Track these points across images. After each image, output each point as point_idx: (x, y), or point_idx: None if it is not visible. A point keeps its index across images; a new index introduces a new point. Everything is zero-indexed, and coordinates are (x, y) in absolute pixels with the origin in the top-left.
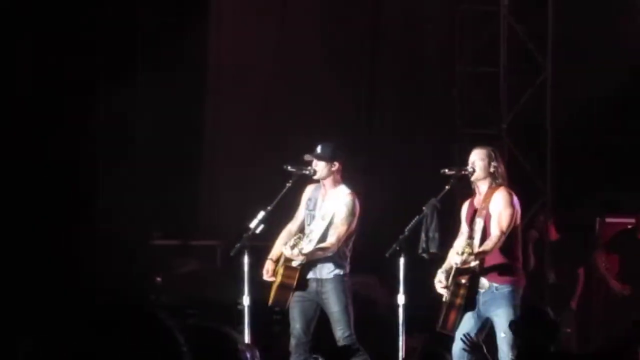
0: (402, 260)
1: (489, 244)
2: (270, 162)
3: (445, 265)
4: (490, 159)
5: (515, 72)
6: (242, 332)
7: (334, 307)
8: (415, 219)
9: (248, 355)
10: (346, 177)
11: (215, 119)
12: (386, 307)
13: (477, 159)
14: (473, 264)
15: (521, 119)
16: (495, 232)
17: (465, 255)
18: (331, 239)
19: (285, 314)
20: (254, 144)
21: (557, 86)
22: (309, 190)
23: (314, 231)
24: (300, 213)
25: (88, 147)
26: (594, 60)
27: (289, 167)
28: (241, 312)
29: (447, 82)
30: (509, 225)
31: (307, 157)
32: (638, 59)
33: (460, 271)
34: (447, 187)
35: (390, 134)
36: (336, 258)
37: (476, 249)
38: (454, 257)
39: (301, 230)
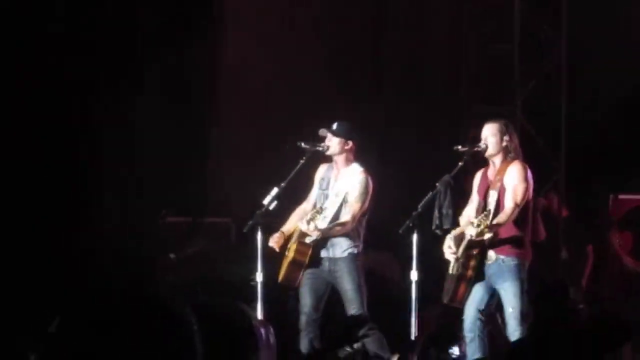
0: (415, 237)
1: (502, 217)
2: (283, 139)
3: (455, 232)
4: (502, 133)
5: (530, 48)
6: (255, 309)
7: (347, 285)
8: (429, 195)
9: (262, 331)
10: (360, 158)
11: (228, 95)
12: (400, 283)
13: (489, 134)
14: (487, 236)
15: (536, 97)
16: (509, 205)
17: (482, 227)
18: (346, 217)
19: (297, 291)
20: (267, 120)
21: (572, 65)
22: (321, 170)
23: (328, 208)
24: (314, 193)
25: (95, 130)
26: (609, 38)
27: (302, 144)
28: (254, 289)
29: (459, 60)
30: (522, 199)
31: (322, 131)
32: None
33: (472, 243)
34: (460, 163)
35: (404, 111)
36: (350, 237)
37: (484, 220)
38: (469, 229)
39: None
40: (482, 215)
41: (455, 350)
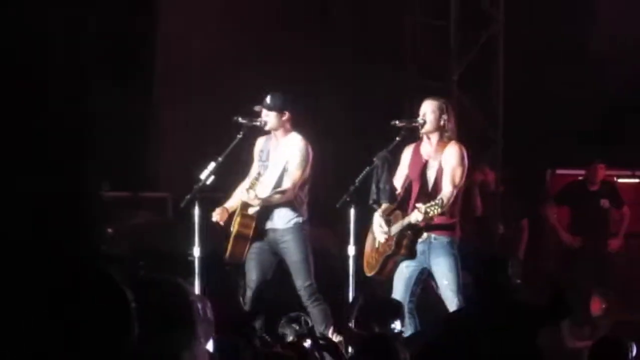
0: (352, 211)
1: (444, 201)
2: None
3: (383, 209)
4: (441, 111)
5: (466, 23)
6: (192, 284)
7: (295, 256)
8: (366, 170)
9: (199, 306)
10: (297, 128)
11: (165, 72)
12: (338, 258)
13: (429, 111)
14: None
15: (472, 72)
16: (448, 189)
17: (430, 215)
18: (286, 184)
19: (238, 266)
20: (204, 95)
21: (508, 38)
22: (260, 142)
23: (269, 177)
24: (254, 167)
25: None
26: (545, 9)
27: (239, 119)
28: (192, 264)
29: (398, 34)
30: (460, 182)
31: (257, 108)
32: (588, 9)
33: (410, 225)
34: (397, 138)
35: (342, 85)
36: (293, 206)
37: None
38: (415, 215)
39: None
40: (433, 203)
41: (397, 325)
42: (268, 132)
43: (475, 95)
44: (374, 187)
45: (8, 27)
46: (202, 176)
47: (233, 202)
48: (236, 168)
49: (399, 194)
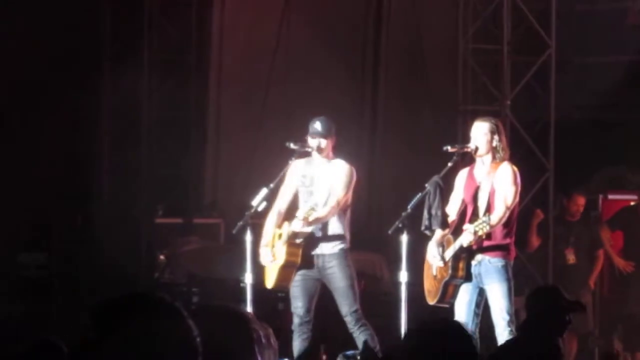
0: (404, 238)
1: (495, 221)
2: (273, 140)
3: (436, 238)
4: (492, 133)
5: (520, 49)
6: (245, 310)
7: (341, 282)
8: (418, 196)
9: (262, 334)
10: (346, 153)
11: (220, 100)
12: (390, 284)
13: (480, 133)
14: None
15: (524, 96)
16: (501, 209)
17: (480, 234)
18: (331, 203)
19: (287, 292)
20: (257, 123)
21: (560, 63)
22: (298, 166)
23: (318, 204)
24: (288, 191)
25: (94, 129)
26: (598, 37)
27: (291, 145)
28: (244, 290)
29: (450, 60)
30: (513, 202)
31: (313, 137)
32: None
33: (463, 248)
34: (449, 164)
35: (394, 111)
36: (338, 231)
37: (485, 226)
38: (466, 236)
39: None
40: (482, 222)
41: None
42: (304, 155)
43: (528, 121)
44: (425, 213)
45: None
46: (254, 202)
47: (269, 235)
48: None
49: (454, 220)
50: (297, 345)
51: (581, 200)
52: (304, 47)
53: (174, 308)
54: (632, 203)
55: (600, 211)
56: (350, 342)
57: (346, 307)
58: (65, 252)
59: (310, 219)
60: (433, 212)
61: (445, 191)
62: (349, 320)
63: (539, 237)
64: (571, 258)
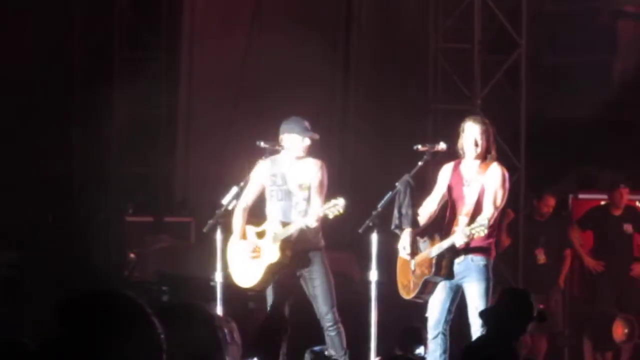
0: (375, 237)
1: (486, 223)
2: (243, 139)
3: (415, 232)
4: (487, 133)
5: (490, 48)
6: (215, 309)
7: (317, 280)
8: (388, 195)
9: (226, 330)
10: (319, 154)
11: (190, 98)
12: (360, 283)
13: (478, 133)
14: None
15: (495, 95)
16: (490, 210)
17: (476, 235)
18: (317, 211)
19: (258, 290)
20: (227, 121)
21: (531, 62)
22: (266, 166)
23: (300, 203)
24: (253, 189)
25: (63, 128)
26: (567, 35)
27: (262, 143)
28: (214, 288)
29: (421, 59)
30: (502, 204)
31: (312, 135)
32: (613, 34)
33: (451, 247)
34: (420, 163)
35: (364, 110)
36: (317, 230)
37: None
38: (459, 237)
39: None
40: (479, 225)
41: (421, 351)
42: (274, 154)
43: (498, 119)
44: (396, 212)
45: None
46: (225, 201)
47: (241, 231)
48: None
49: (435, 211)
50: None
51: (551, 201)
52: (275, 47)
53: (138, 305)
54: (602, 203)
55: (571, 211)
56: (316, 339)
57: (327, 306)
58: (36, 251)
59: (310, 224)
60: (403, 211)
61: (415, 190)
62: (329, 318)
63: (509, 237)
64: (541, 258)
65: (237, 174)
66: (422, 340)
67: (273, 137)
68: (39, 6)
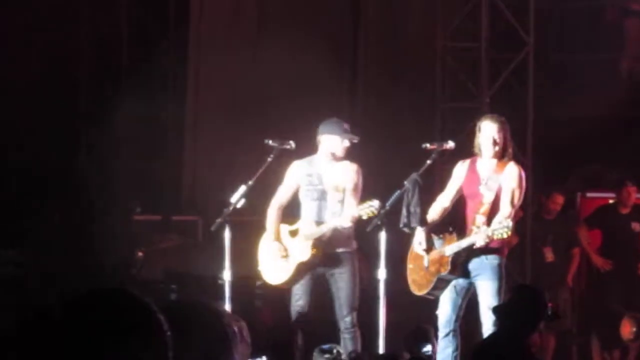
0: (383, 235)
1: (511, 225)
2: (251, 138)
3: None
4: (505, 131)
5: (497, 46)
6: (223, 307)
7: (349, 282)
8: (397, 193)
9: (235, 329)
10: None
11: (198, 97)
12: (368, 281)
13: (495, 132)
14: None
15: (503, 94)
16: (508, 209)
17: (497, 237)
18: (351, 211)
19: (266, 288)
20: (236, 120)
21: (538, 60)
22: (300, 166)
23: (334, 204)
24: (288, 188)
25: (71, 124)
26: (576, 34)
27: (270, 142)
28: (221, 287)
29: (428, 59)
30: (519, 203)
31: (351, 137)
32: (621, 34)
33: (469, 246)
34: (428, 161)
35: (373, 110)
36: (350, 232)
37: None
38: (480, 237)
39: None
40: (502, 227)
41: (428, 349)
42: (300, 156)
43: (505, 118)
44: (404, 210)
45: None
46: (233, 200)
47: (275, 230)
48: (266, 191)
49: (448, 207)
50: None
51: (560, 199)
52: (281, 48)
53: (144, 303)
54: (610, 201)
55: (578, 209)
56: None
57: (348, 308)
58: (41, 249)
59: (345, 225)
60: (412, 209)
61: (423, 189)
62: (347, 321)
63: (517, 235)
64: (549, 256)
65: (245, 173)
66: (429, 340)
67: (280, 135)
68: (46, 8)
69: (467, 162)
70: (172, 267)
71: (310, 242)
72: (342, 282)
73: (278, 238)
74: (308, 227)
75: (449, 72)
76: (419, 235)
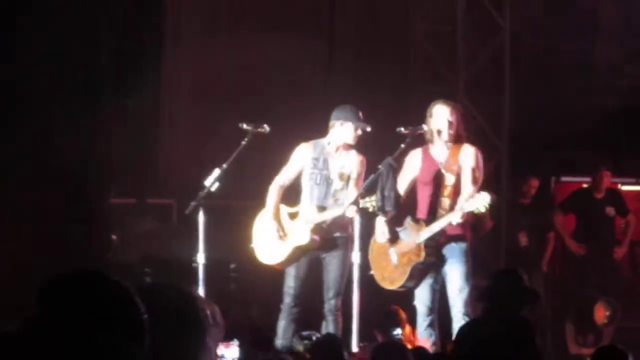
0: (357, 219)
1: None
2: (226, 121)
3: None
4: (454, 115)
5: (473, 31)
6: (197, 290)
7: (338, 268)
8: (371, 177)
9: (208, 312)
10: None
11: (173, 81)
12: None
13: (443, 117)
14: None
15: (478, 78)
16: (470, 188)
17: (475, 210)
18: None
19: (240, 272)
20: (211, 104)
21: (514, 46)
22: (308, 148)
23: (336, 191)
24: (293, 169)
25: (49, 106)
26: (551, 18)
27: (244, 125)
28: (196, 270)
29: (404, 40)
30: (480, 181)
31: (364, 126)
32: (596, 18)
33: (440, 231)
34: (402, 145)
35: (348, 93)
36: (350, 219)
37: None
38: (455, 215)
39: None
40: (479, 201)
41: (398, 332)
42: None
43: (481, 103)
44: (378, 194)
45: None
46: (207, 183)
47: (276, 209)
48: (241, 175)
49: (402, 198)
50: (284, 325)
51: (535, 182)
52: (256, 32)
53: (121, 286)
54: (584, 185)
55: (553, 194)
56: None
57: (334, 290)
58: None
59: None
60: (386, 193)
61: (397, 172)
62: (332, 304)
63: (492, 220)
64: (524, 241)
65: (220, 156)
66: (399, 322)
67: (255, 119)
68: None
69: (419, 151)
70: (147, 251)
71: (310, 226)
72: (332, 265)
73: (277, 217)
74: (309, 212)
75: (424, 56)
76: (381, 225)
